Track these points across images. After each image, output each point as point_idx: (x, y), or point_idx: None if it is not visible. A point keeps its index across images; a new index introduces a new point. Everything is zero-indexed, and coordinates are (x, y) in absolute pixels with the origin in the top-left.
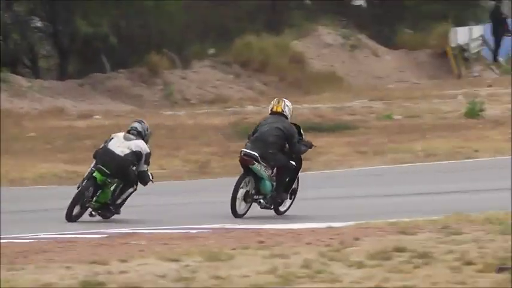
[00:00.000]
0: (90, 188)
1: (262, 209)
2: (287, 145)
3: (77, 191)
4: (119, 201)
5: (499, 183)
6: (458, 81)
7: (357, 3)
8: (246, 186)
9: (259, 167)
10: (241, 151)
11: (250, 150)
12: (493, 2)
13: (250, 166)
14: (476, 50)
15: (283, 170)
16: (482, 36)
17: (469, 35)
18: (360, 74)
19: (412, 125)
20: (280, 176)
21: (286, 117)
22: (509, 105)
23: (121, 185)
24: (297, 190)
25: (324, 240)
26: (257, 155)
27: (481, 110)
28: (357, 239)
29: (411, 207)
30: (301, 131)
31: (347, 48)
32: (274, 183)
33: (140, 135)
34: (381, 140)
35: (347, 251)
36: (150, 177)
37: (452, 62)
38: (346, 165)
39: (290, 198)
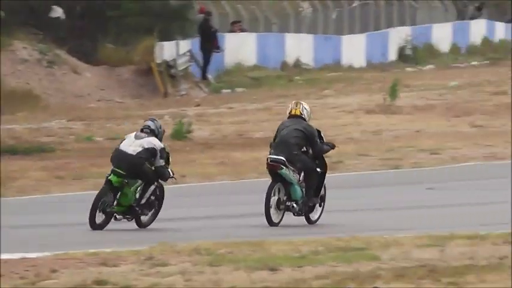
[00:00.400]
0: (109, 193)
1: (296, 217)
2: (310, 148)
3: (95, 196)
4: (143, 201)
5: (208, 210)
6: (165, 100)
7: (55, 15)
8: (277, 193)
9: (287, 171)
10: (267, 158)
11: (275, 155)
12: (202, 15)
13: (278, 171)
14: (183, 67)
15: (310, 174)
16: (190, 51)
17: (176, 50)
18: (58, 92)
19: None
20: (309, 180)
21: (305, 120)
22: (219, 126)
23: (142, 185)
24: (325, 197)
25: (18, 272)
26: (284, 159)
27: (189, 132)
28: (54, 271)
29: (112, 236)
30: (322, 134)
31: (44, 65)
32: (304, 189)
33: (153, 133)
34: (81, 163)
35: (43, 284)
36: (171, 174)
37: (157, 80)
38: (42, 191)
39: (320, 206)
